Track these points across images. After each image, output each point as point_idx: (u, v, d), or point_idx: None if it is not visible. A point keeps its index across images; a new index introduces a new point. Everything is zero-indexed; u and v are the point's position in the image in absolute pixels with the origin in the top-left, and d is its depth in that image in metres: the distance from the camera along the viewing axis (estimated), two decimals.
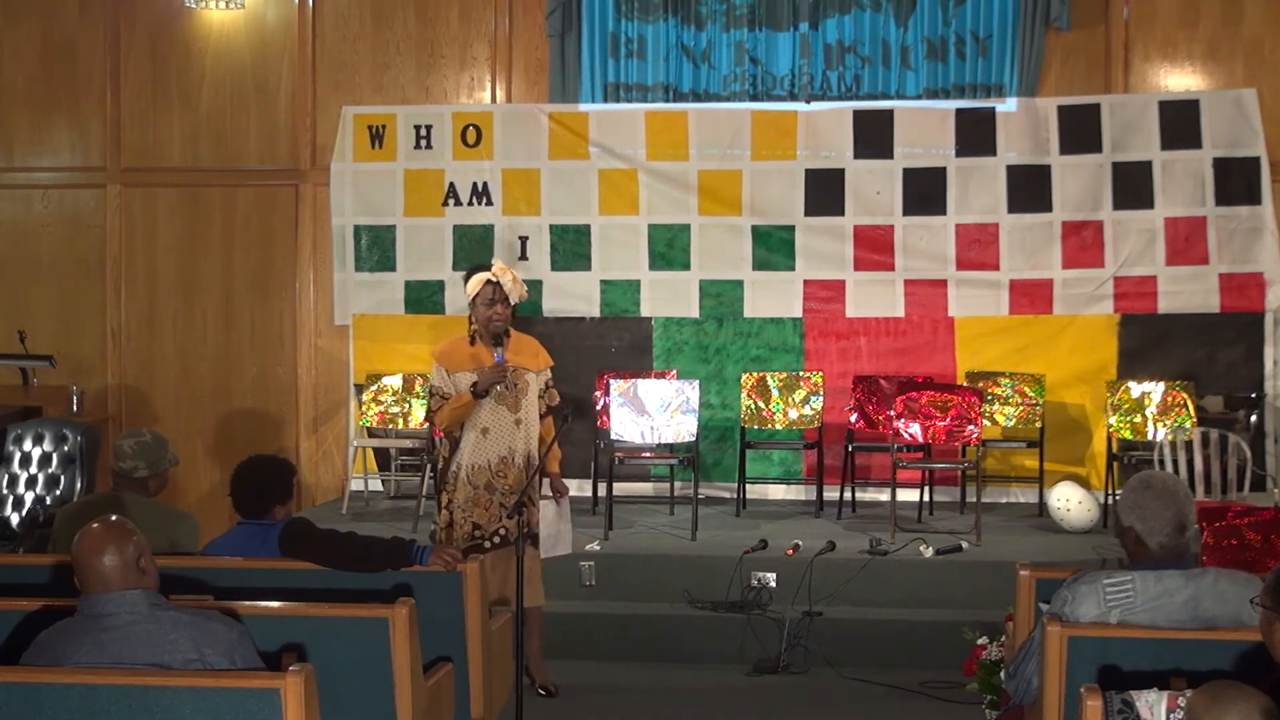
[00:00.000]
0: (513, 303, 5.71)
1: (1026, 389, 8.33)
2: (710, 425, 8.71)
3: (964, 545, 7.13)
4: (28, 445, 7.23)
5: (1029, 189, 8.69)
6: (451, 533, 5.64)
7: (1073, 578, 3.65)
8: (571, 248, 8.96)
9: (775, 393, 8.35)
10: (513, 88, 9.15)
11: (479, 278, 5.69)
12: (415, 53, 9.19)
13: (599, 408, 8.24)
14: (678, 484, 8.32)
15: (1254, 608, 3.34)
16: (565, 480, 5.88)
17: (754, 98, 8.90)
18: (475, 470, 5.65)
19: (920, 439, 7.71)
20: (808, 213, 8.83)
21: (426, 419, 5.85)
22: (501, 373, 5.59)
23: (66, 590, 3.59)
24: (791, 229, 8.85)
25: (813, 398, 8.32)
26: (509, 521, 5.61)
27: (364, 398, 8.58)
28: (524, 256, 8.96)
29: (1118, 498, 7.66)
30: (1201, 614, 3.51)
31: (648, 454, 8.00)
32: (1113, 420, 8.14)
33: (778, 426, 8.38)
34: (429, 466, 8.01)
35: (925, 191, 8.76)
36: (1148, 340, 8.59)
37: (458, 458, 5.68)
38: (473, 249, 8.99)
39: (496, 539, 5.65)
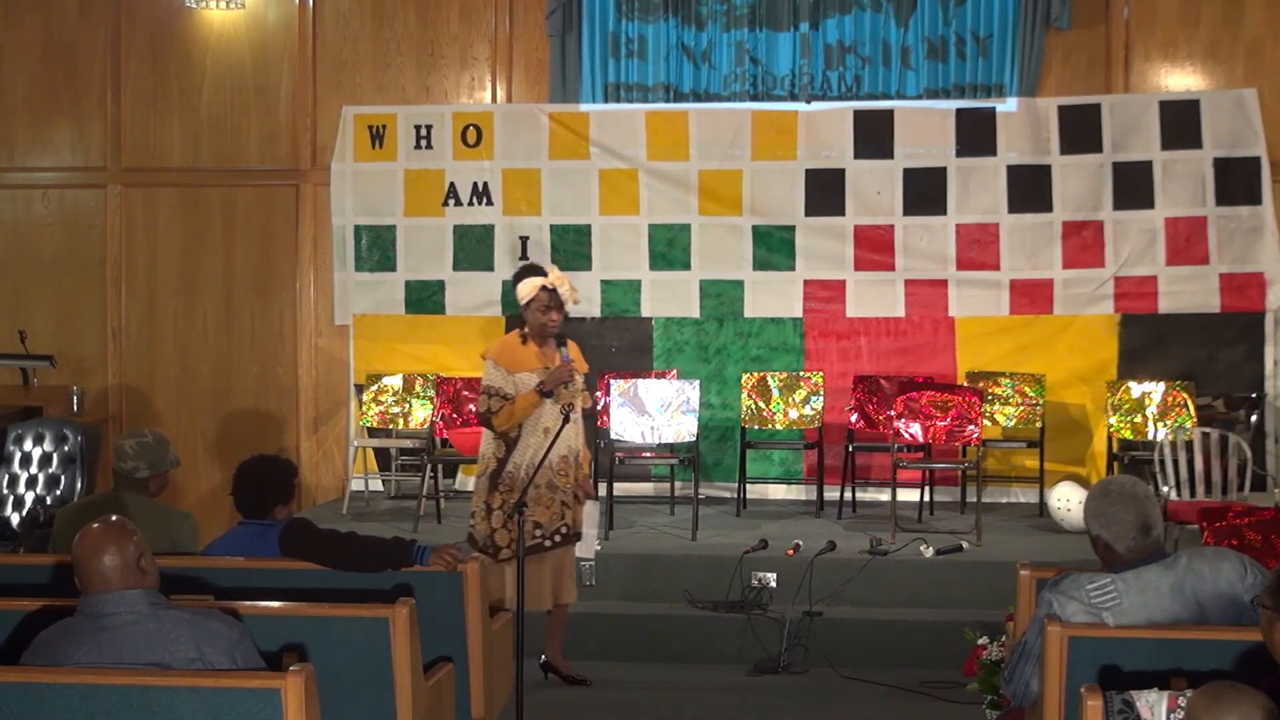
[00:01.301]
0: (567, 309, 5.81)
1: (1027, 389, 8.33)
2: (710, 425, 8.71)
3: (964, 545, 7.13)
4: (28, 445, 7.23)
5: (1029, 189, 8.69)
6: (513, 533, 5.65)
7: (1054, 580, 3.65)
8: (572, 248, 8.96)
9: (775, 393, 8.35)
10: (513, 88, 9.15)
11: (534, 283, 5.75)
12: (415, 53, 9.20)
13: (599, 408, 8.24)
14: (678, 484, 8.32)
15: (1254, 608, 3.34)
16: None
17: (754, 98, 8.90)
18: (538, 471, 5.68)
19: (920, 439, 7.72)
20: (808, 213, 8.83)
21: (480, 420, 5.83)
22: (569, 372, 5.69)
23: (67, 590, 3.59)
24: (792, 229, 8.85)
25: (813, 398, 8.32)
26: (569, 519, 5.75)
27: (364, 398, 8.59)
28: (524, 256, 8.95)
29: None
30: (1189, 596, 3.53)
31: (648, 454, 8.00)
32: (1113, 420, 8.14)
33: (778, 426, 8.38)
34: (429, 466, 8.01)
35: (925, 191, 8.76)
36: (1148, 340, 8.59)
37: (514, 458, 5.69)
38: (473, 249, 9.00)
39: (558, 537, 5.75)
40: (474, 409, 5.89)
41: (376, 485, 8.93)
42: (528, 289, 5.76)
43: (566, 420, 5.59)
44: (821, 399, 8.32)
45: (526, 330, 5.82)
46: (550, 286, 5.75)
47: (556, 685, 6.00)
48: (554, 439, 5.60)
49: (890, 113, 8.78)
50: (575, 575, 5.96)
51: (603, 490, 7.80)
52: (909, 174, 8.78)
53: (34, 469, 7.19)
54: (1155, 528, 3.60)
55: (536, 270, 5.89)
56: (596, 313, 8.93)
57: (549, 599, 5.81)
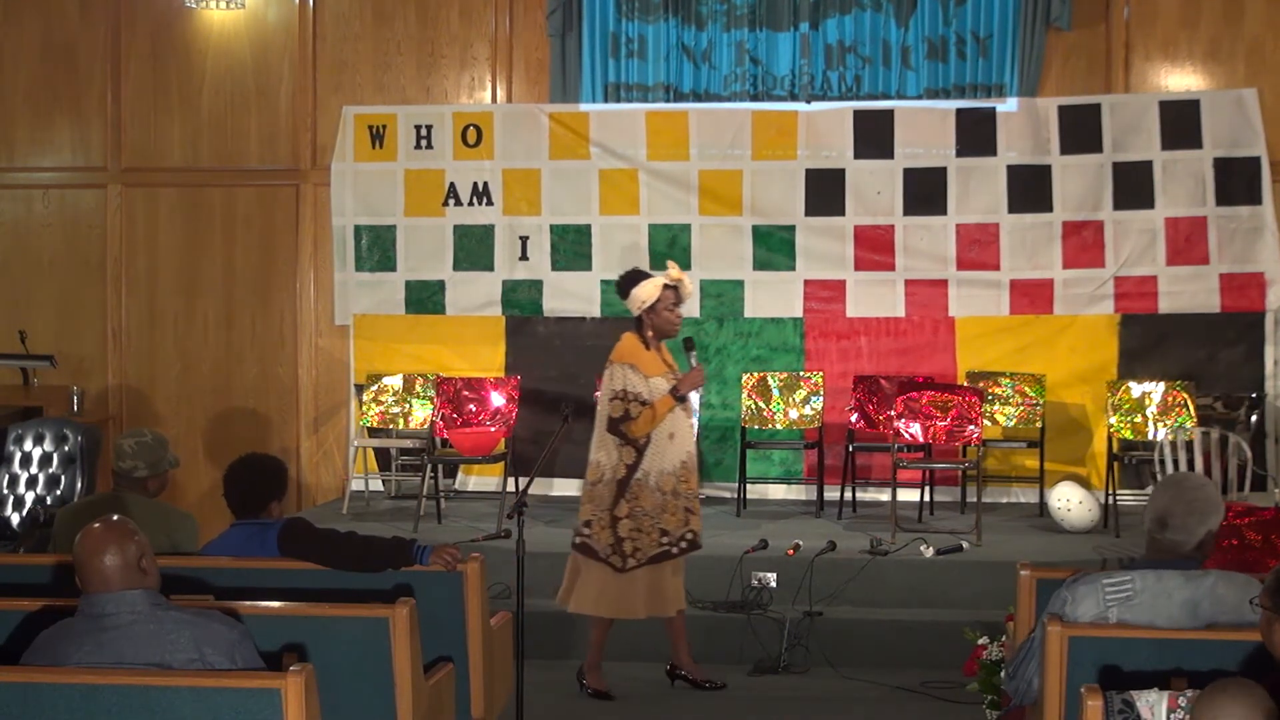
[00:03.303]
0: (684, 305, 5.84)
1: (1027, 389, 8.32)
2: (711, 425, 8.71)
3: (964, 545, 7.13)
4: (28, 445, 7.23)
5: (1029, 189, 8.68)
6: (636, 542, 5.64)
7: (1072, 578, 3.64)
8: (572, 248, 8.96)
9: (776, 393, 8.35)
10: (513, 88, 9.15)
11: (656, 283, 5.72)
12: (416, 53, 9.20)
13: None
14: None
15: (1254, 608, 3.34)
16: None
17: (754, 98, 8.90)
18: (663, 476, 5.67)
19: (921, 439, 7.72)
20: (808, 213, 8.83)
21: (610, 426, 5.66)
22: (702, 377, 5.72)
23: (67, 590, 3.59)
24: (792, 229, 8.85)
25: (813, 398, 8.32)
26: (694, 523, 5.75)
27: (364, 398, 8.59)
28: (524, 256, 8.96)
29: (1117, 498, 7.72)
30: (1201, 616, 3.49)
31: None
32: (1113, 420, 8.13)
33: (778, 426, 8.38)
34: (429, 466, 8.01)
35: (926, 191, 8.75)
36: (1148, 340, 8.58)
37: (644, 465, 5.65)
38: (473, 249, 9.00)
39: (684, 544, 5.74)
40: (612, 415, 5.65)
41: (376, 485, 8.93)
42: (651, 290, 5.70)
43: (566, 419, 5.56)
44: (821, 399, 8.31)
45: (650, 334, 5.76)
46: (672, 283, 5.72)
47: (582, 689, 5.97)
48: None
49: (890, 113, 8.78)
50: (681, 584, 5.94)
51: None
52: (909, 174, 8.77)
53: (34, 469, 7.19)
54: (1174, 531, 3.56)
55: (645, 274, 5.84)
56: (597, 313, 8.93)
57: (673, 605, 5.81)
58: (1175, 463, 7.41)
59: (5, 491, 7.16)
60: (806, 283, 8.84)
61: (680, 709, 5.91)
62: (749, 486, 8.47)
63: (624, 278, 5.89)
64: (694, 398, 6.55)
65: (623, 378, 5.67)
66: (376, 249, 9.09)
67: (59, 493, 7.11)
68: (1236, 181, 8.52)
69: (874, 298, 8.80)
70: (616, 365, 5.71)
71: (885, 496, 8.05)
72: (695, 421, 5.80)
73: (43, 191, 9.44)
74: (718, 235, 8.89)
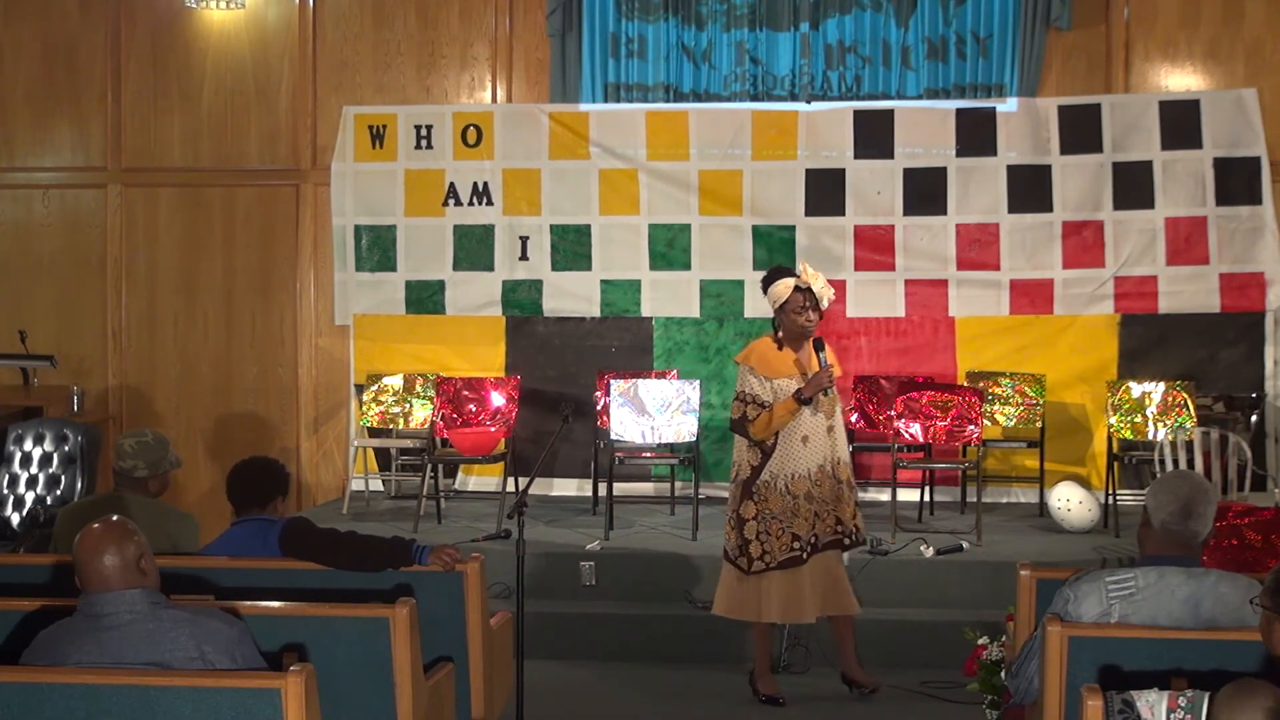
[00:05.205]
0: (823, 308, 5.65)
1: (1027, 389, 8.32)
2: (711, 425, 8.69)
3: (965, 545, 7.12)
4: (28, 445, 7.24)
5: (1029, 189, 8.68)
6: (765, 545, 5.61)
7: (1075, 577, 3.65)
8: (572, 248, 8.96)
9: None
10: (513, 88, 9.15)
11: (787, 284, 5.61)
12: (416, 53, 9.20)
13: (599, 408, 8.24)
14: (678, 484, 8.32)
15: (1254, 608, 3.34)
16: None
17: (754, 98, 8.90)
18: (795, 480, 5.62)
19: (921, 439, 7.72)
20: (808, 213, 8.83)
21: (733, 427, 5.67)
22: (829, 379, 5.55)
23: (67, 590, 3.60)
24: (792, 229, 8.84)
25: None
26: (820, 528, 5.68)
27: (365, 398, 8.59)
28: (524, 256, 8.95)
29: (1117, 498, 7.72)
30: (1202, 614, 3.50)
31: (648, 454, 7.99)
32: (1113, 420, 8.13)
33: None
34: (429, 466, 8.01)
35: (926, 191, 8.75)
36: (1148, 340, 8.58)
37: (771, 467, 5.61)
38: (473, 249, 9.00)
39: (809, 547, 5.68)
40: (731, 416, 5.72)
41: (376, 485, 8.92)
42: (780, 291, 5.60)
43: (566, 419, 5.55)
44: None
45: (781, 335, 5.68)
46: (804, 286, 5.59)
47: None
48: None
49: (890, 113, 8.78)
50: (849, 585, 5.89)
51: (602, 490, 7.84)
52: (909, 174, 8.77)
53: (34, 469, 7.20)
54: (1196, 521, 3.58)
55: (787, 271, 5.73)
56: (597, 313, 8.93)
57: (811, 611, 5.74)
58: (1175, 463, 7.40)
59: (5, 491, 7.17)
60: None
61: (681, 710, 5.90)
62: None
63: (768, 273, 5.79)
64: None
65: (742, 379, 5.64)
66: (376, 249, 9.08)
67: (59, 493, 7.12)
68: (1236, 181, 8.52)
69: (874, 298, 8.79)
70: (741, 366, 5.68)
71: (885, 496, 8.05)
72: (834, 423, 5.66)
73: (43, 191, 9.45)
74: (718, 235, 8.88)
